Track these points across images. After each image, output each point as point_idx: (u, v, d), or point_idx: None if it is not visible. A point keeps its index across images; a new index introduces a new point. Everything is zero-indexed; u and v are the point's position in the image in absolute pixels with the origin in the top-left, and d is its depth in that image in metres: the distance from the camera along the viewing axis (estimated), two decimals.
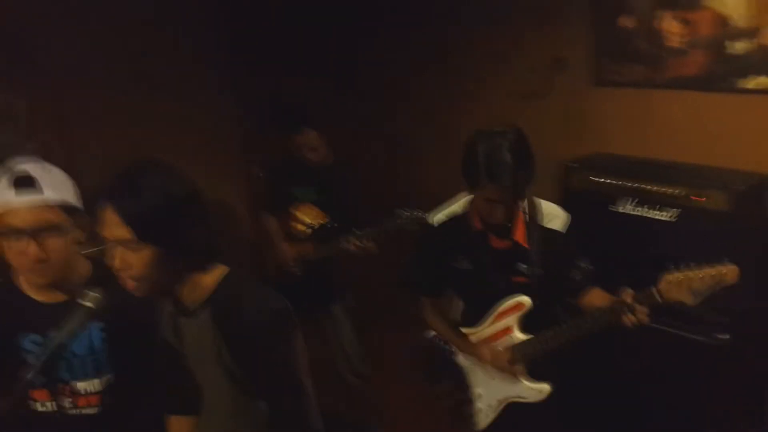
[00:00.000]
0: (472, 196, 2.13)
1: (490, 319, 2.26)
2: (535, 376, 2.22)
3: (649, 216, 2.62)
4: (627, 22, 3.08)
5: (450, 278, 2.32)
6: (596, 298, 2.13)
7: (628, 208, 2.67)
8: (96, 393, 1.81)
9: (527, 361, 2.21)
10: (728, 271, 1.77)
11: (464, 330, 2.37)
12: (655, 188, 2.60)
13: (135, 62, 3.47)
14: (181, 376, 1.69)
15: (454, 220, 2.30)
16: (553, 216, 2.18)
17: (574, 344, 2.13)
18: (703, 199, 2.47)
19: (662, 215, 2.59)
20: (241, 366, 1.57)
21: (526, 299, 2.18)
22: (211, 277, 1.60)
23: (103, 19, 3.34)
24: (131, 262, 1.47)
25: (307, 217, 3.21)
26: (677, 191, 2.54)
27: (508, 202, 2.03)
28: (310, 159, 3.12)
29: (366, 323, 3.52)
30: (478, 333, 2.31)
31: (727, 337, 2.28)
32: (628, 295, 1.94)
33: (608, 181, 2.74)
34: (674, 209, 2.55)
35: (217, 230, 1.61)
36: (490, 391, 2.31)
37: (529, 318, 2.20)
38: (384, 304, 4.18)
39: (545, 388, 2.20)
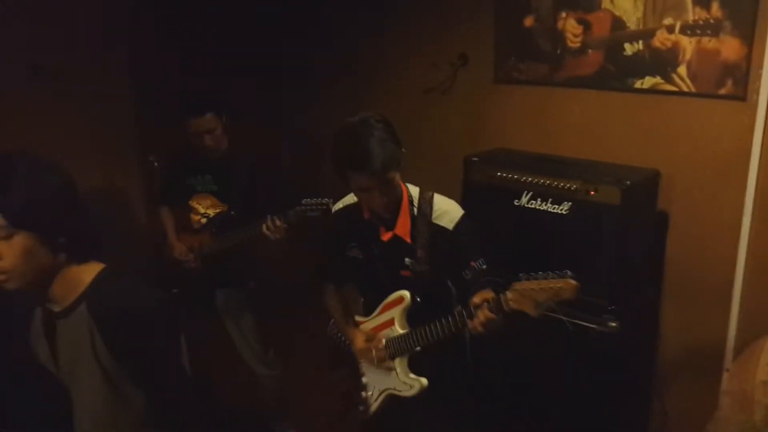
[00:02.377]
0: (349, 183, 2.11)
1: (377, 311, 2.28)
2: (415, 370, 2.21)
3: (544, 209, 2.67)
4: (529, 21, 3.14)
5: (346, 266, 2.31)
6: (479, 299, 2.08)
7: (523, 201, 2.71)
8: None
9: (401, 355, 2.21)
10: (566, 286, 1.76)
11: (358, 319, 2.37)
12: (551, 182, 2.66)
13: (25, 52, 3.27)
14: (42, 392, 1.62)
15: (349, 209, 2.29)
16: (444, 212, 2.16)
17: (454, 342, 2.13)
18: (594, 193, 2.54)
19: (557, 209, 2.65)
20: (120, 362, 1.51)
21: (406, 294, 2.18)
22: (87, 272, 1.56)
23: None
24: (2, 251, 1.41)
25: (203, 207, 3.11)
26: (572, 185, 2.60)
27: (377, 189, 2.00)
28: (208, 145, 2.99)
29: (272, 313, 3.45)
30: (367, 323, 2.33)
31: (615, 324, 2.34)
32: (481, 297, 1.95)
33: (507, 175, 2.78)
34: (568, 203, 2.61)
35: (94, 224, 1.57)
36: (374, 381, 2.33)
37: (417, 313, 2.19)
38: (291, 294, 4.14)
39: (416, 383, 2.19)
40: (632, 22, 2.81)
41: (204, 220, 3.10)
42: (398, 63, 3.72)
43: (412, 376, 2.21)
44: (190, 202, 3.13)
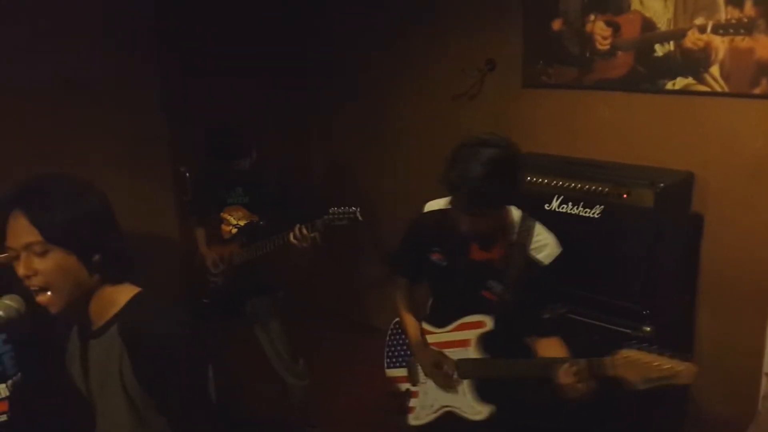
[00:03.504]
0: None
1: (452, 326, 2.20)
2: (484, 395, 2.15)
3: (575, 213, 2.65)
4: (557, 25, 3.13)
5: (424, 269, 2.24)
6: (550, 347, 2.02)
7: (554, 205, 2.69)
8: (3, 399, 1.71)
9: (472, 378, 2.15)
10: (685, 371, 1.66)
11: (428, 327, 2.30)
12: (582, 186, 2.63)
13: (55, 64, 3.32)
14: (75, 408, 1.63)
15: (442, 213, 2.15)
16: (542, 245, 2.05)
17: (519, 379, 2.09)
18: (627, 196, 2.51)
19: (589, 212, 2.62)
20: (145, 388, 1.51)
21: (488, 321, 2.10)
22: (122, 293, 1.56)
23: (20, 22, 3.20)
24: (38, 268, 1.43)
25: (235, 218, 3.15)
26: (603, 189, 2.57)
27: (476, 216, 1.90)
28: (244, 169, 3.07)
29: (300, 322, 3.48)
30: (438, 335, 2.25)
31: (649, 329, 2.31)
32: (581, 363, 1.83)
33: (537, 180, 2.76)
34: (600, 206, 2.58)
35: (127, 244, 1.57)
36: (435, 393, 2.25)
37: (491, 339, 2.12)
38: (320, 303, 4.17)
39: (485, 410, 2.13)
40: (663, 23, 2.78)
41: (234, 231, 3.14)
42: (426, 69, 3.72)
43: (480, 401, 2.15)
44: (221, 214, 3.18)
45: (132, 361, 1.49)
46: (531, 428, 2.32)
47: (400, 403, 2.36)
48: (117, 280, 1.56)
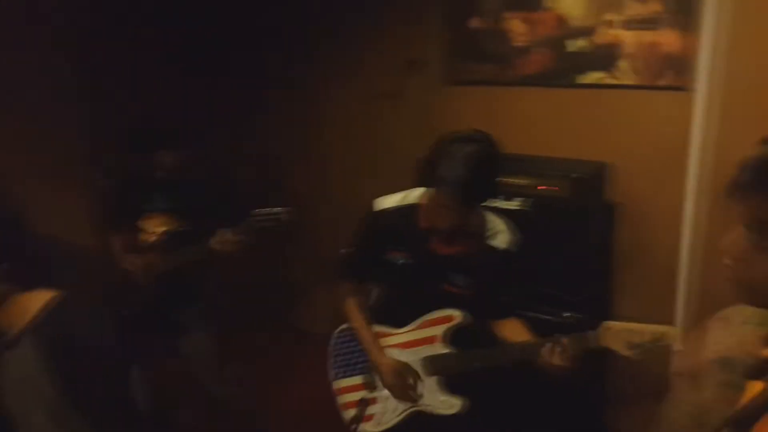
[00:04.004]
0: (424, 192, 2.02)
1: (416, 324, 2.18)
2: (454, 389, 2.16)
3: (502, 206, 2.72)
4: (477, 23, 3.20)
5: (381, 270, 2.19)
6: (514, 329, 2.05)
7: None
8: None
9: (441, 374, 2.15)
10: (668, 330, 1.74)
11: (385, 329, 2.26)
12: (507, 180, 2.71)
13: None
14: None
15: (403, 211, 2.13)
16: (499, 232, 2.08)
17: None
18: (546, 187, 2.60)
19: (514, 205, 2.69)
20: (67, 394, 1.44)
21: (457, 314, 2.10)
22: (35, 300, 1.47)
23: None
24: None
25: (153, 225, 3.02)
26: (522, 181, 2.65)
27: (459, 211, 1.91)
28: (159, 175, 2.97)
29: (229, 329, 3.42)
30: (399, 336, 2.22)
31: (570, 314, 2.39)
32: (564, 341, 1.87)
33: None
34: (518, 198, 2.66)
35: (40, 249, 1.50)
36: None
37: (458, 331, 2.12)
38: (249, 309, 4.12)
39: (456, 403, 2.13)
40: (574, 20, 2.89)
41: (154, 238, 3.04)
42: (348, 69, 3.74)
43: (450, 395, 2.15)
44: (140, 222, 3.07)
45: (51, 368, 1.43)
46: (505, 415, 2.34)
47: (357, 413, 2.27)
48: (28, 288, 1.48)
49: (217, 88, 4.19)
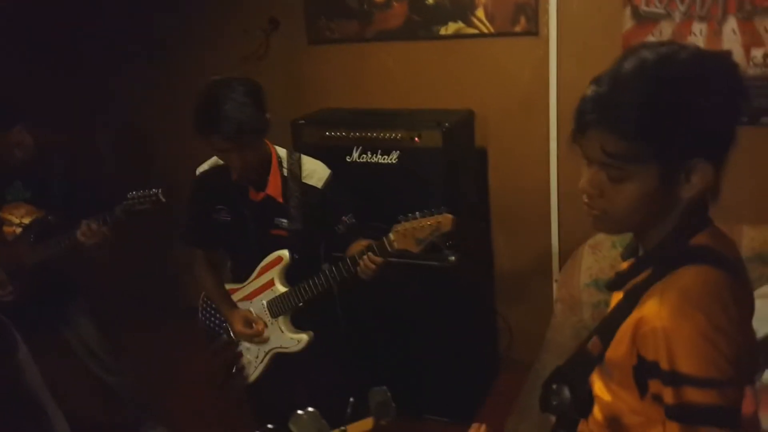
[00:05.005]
0: None
1: (254, 274, 2.29)
2: (298, 325, 2.28)
3: (375, 161, 2.77)
4: None
5: (215, 230, 2.29)
6: (355, 250, 2.16)
7: (355, 156, 2.79)
8: None
9: (284, 314, 2.26)
10: (444, 220, 1.92)
11: (232, 286, 2.37)
12: (378, 135, 2.76)
13: None
14: None
15: (216, 171, 2.25)
16: (313, 171, 2.22)
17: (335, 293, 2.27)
18: (418, 139, 2.67)
19: (386, 159, 2.76)
20: None
21: (285, 253, 2.21)
22: None
23: None
24: None
25: (16, 216, 2.83)
26: (397, 135, 2.71)
27: (235, 151, 2.01)
28: (18, 158, 2.75)
29: (112, 317, 3.29)
30: (243, 289, 2.33)
31: (453, 257, 2.49)
32: (363, 244, 2.05)
33: (336, 133, 2.83)
34: (396, 152, 2.73)
35: None
36: (256, 344, 2.34)
37: (293, 271, 2.23)
38: (129, 294, 3.97)
39: (303, 337, 2.26)
40: None
41: (19, 231, 2.84)
42: (209, 34, 3.60)
43: (297, 331, 2.27)
44: (1, 214, 2.85)
45: None
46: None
47: (230, 368, 2.40)
48: None
49: (74, 59, 3.92)
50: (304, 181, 2.20)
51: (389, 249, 1.98)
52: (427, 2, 2.98)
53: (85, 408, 3.24)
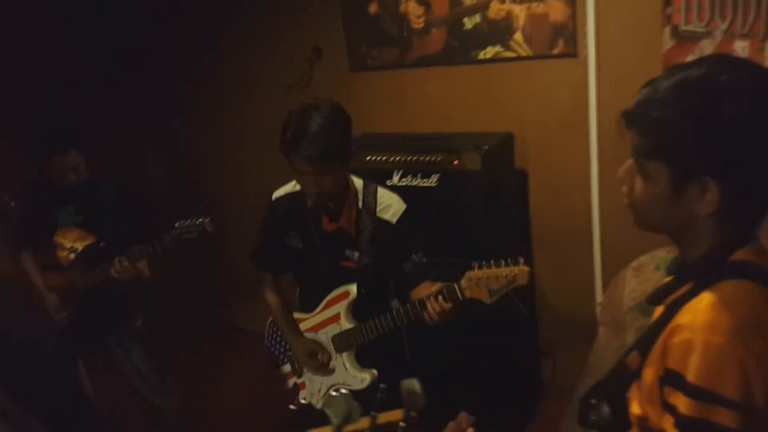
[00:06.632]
0: None
1: (321, 306, 2.27)
2: (363, 362, 2.25)
3: (415, 185, 2.80)
4: (374, 8, 3.25)
5: (285, 255, 2.27)
6: (423, 291, 2.09)
7: (395, 179, 2.83)
8: None
9: (349, 350, 2.23)
10: (520, 273, 1.82)
11: (299, 315, 2.35)
12: (417, 158, 2.79)
13: None
14: None
15: (291, 196, 2.23)
16: (388, 206, 2.16)
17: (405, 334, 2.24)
18: (457, 162, 2.69)
19: (426, 182, 2.78)
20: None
21: (352, 288, 2.17)
22: None
23: None
24: None
25: (69, 240, 2.91)
26: (436, 158, 2.74)
27: (313, 175, 1.96)
28: (73, 182, 2.85)
29: (165, 340, 3.38)
30: (310, 320, 2.31)
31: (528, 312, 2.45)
32: (431, 289, 1.97)
33: (376, 158, 2.88)
34: (436, 175, 2.75)
35: None
36: (318, 377, 2.32)
37: (359, 306, 2.20)
38: (181, 321, 4.07)
39: (366, 377, 2.22)
40: None
41: (72, 256, 2.91)
42: (255, 64, 3.72)
43: (362, 369, 2.24)
44: (54, 238, 2.94)
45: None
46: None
47: (291, 398, 2.39)
48: None
49: (124, 88, 4.08)
50: (379, 215, 2.14)
51: (460, 297, 1.90)
52: (465, 27, 3.02)
53: (132, 428, 3.31)
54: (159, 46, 4.04)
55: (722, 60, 1.05)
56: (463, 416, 1.30)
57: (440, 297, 1.93)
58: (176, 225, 2.60)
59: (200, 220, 2.56)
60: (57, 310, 2.92)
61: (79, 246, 2.91)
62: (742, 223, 1.08)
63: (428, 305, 1.95)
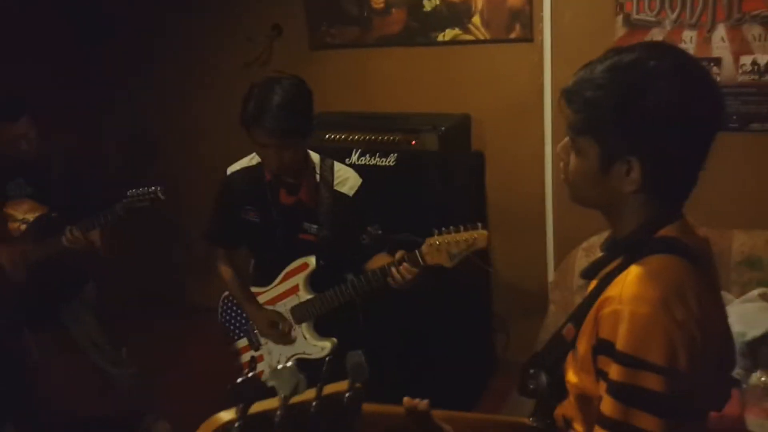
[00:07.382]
0: None
1: (279, 278, 2.29)
2: (321, 332, 2.29)
3: (373, 164, 2.83)
4: None
5: (241, 230, 2.29)
6: (379, 261, 2.15)
7: (354, 158, 2.86)
8: None
9: (308, 320, 2.27)
10: (479, 236, 1.87)
11: (256, 289, 2.37)
12: (376, 137, 2.82)
13: None
14: None
15: (248, 171, 2.25)
16: (345, 179, 2.20)
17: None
18: (415, 142, 2.74)
19: (384, 161, 2.82)
20: None
21: (311, 260, 2.21)
22: None
23: None
24: None
25: (20, 212, 2.86)
26: (394, 138, 2.78)
27: (274, 148, 1.99)
28: (24, 151, 2.81)
29: (116, 310, 3.36)
30: (267, 293, 2.33)
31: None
32: (386, 260, 2.04)
33: (335, 136, 2.90)
34: (394, 154, 2.79)
35: None
36: (277, 348, 2.35)
37: (317, 278, 2.24)
38: (136, 297, 4.05)
39: (327, 345, 2.26)
40: None
41: (23, 227, 2.86)
42: (214, 41, 3.68)
43: (321, 339, 2.28)
44: (4, 210, 2.91)
45: None
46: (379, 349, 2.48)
47: (252, 369, 2.40)
48: None
49: (81, 63, 4.00)
50: (336, 188, 2.19)
51: (421, 263, 1.94)
52: (424, 9, 3.05)
53: (87, 401, 3.31)
54: (119, 21, 3.96)
55: (653, 46, 1.11)
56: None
57: (404, 263, 1.97)
58: (128, 193, 2.59)
59: (152, 188, 2.56)
60: (10, 265, 2.87)
61: (30, 217, 2.85)
62: (668, 202, 1.15)
63: (393, 271, 1.99)
